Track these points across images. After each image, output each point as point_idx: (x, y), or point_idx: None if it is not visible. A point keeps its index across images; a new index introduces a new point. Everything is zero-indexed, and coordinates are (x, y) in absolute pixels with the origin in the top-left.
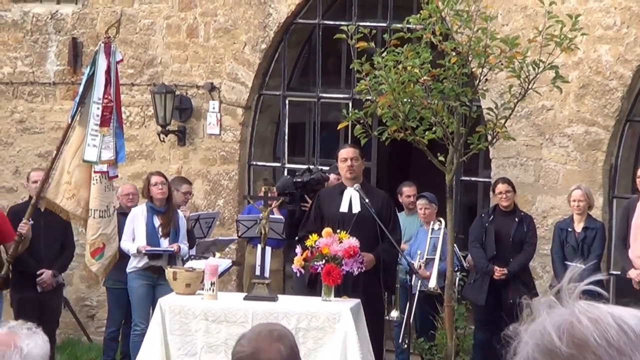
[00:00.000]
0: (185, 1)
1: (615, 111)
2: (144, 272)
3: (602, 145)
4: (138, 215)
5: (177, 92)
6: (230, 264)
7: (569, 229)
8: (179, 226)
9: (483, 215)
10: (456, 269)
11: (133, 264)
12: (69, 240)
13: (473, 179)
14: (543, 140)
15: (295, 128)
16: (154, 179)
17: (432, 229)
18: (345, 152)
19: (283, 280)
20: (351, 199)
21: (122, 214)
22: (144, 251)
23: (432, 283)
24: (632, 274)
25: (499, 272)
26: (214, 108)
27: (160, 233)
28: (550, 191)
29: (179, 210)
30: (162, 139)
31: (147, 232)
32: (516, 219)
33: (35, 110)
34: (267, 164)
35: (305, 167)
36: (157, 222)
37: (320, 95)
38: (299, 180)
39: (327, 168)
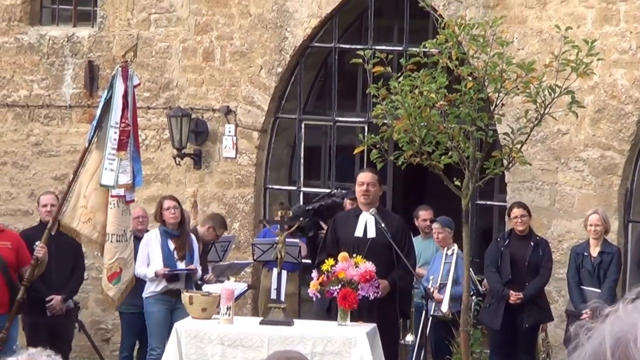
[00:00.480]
0: (201, 24)
1: (630, 135)
2: (163, 296)
3: (617, 169)
4: (152, 240)
5: (193, 115)
6: (246, 288)
7: (585, 254)
8: (193, 249)
9: (499, 239)
10: (472, 293)
11: (150, 289)
12: (79, 264)
13: (489, 202)
14: (558, 164)
15: (311, 151)
16: (167, 203)
17: (446, 254)
18: (363, 177)
19: (299, 304)
20: (366, 224)
21: (134, 237)
22: (163, 273)
23: (445, 308)
24: None
25: (514, 296)
26: (229, 131)
27: (176, 256)
28: (565, 215)
29: (191, 233)
30: (177, 162)
31: (163, 256)
32: (532, 243)
33: (51, 133)
34: (283, 187)
35: (322, 191)
36: (171, 245)
37: (336, 118)
38: (310, 207)
39: (345, 191)
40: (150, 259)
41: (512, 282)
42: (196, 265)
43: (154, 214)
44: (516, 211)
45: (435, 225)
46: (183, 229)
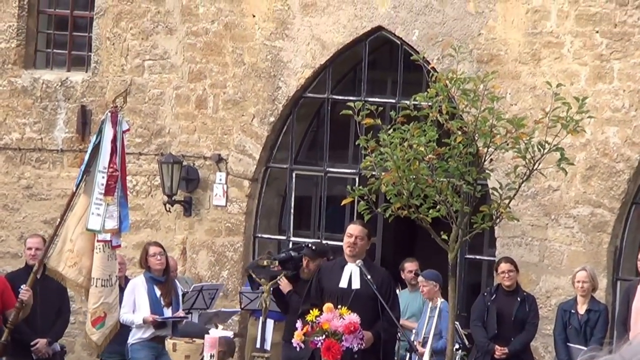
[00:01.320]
0: (194, 72)
1: (621, 193)
2: (149, 342)
3: (607, 227)
4: (139, 286)
5: (185, 163)
6: (232, 336)
7: (572, 311)
8: (177, 295)
9: (485, 294)
10: (458, 347)
11: (137, 335)
12: (64, 307)
13: (478, 257)
14: (548, 220)
15: (301, 201)
16: (152, 249)
17: (431, 307)
18: (352, 229)
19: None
20: (351, 275)
21: None
22: (152, 320)
23: None
24: None
25: (499, 351)
26: (220, 179)
27: (163, 303)
28: (554, 271)
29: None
30: (167, 209)
31: (151, 302)
32: (518, 299)
33: (42, 177)
34: (273, 236)
35: (310, 240)
36: (157, 292)
37: (327, 169)
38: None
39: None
40: (136, 305)
41: (498, 337)
42: (182, 311)
43: (139, 260)
44: (503, 266)
45: (420, 279)
46: (168, 275)
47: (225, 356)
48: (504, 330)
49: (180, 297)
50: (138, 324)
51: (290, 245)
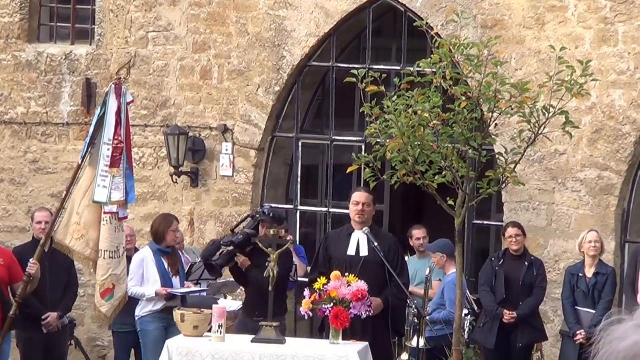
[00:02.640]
0: (199, 43)
1: (628, 156)
2: (160, 314)
3: (614, 190)
4: (147, 259)
5: (191, 134)
6: (241, 306)
7: (580, 274)
8: (182, 264)
9: (493, 259)
10: (467, 312)
11: (148, 308)
12: (72, 280)
13: (485, 222)
14: (556, 184)
15: (308, 170)
16: (175, 225)
17: (440, 279)
18: (358, 196)
19: (295, 322)
20: (359, 242)
21: None
22: (165, 293)
23: (421, 344)
24: None
25: (508, 315)
26: (227, 150)
27: (172, 273)
28: (562, 235)
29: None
30: (175, 181)
31: (160, 275)
32: (526, 263)
33: (49, 151)
34: (280, 206)
35: (319, 209)
36: (165, 263)
37: (333, 138)
38: (228, 241)
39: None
40: (145, 278)
41: (506, 301)
42: (192, 285)
43: (156, 231)
44: (511, 231)
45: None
46: (173, 247)
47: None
48: (512, 294)
49: (185, 267)
50: (149, 297)
51: (298, 215)
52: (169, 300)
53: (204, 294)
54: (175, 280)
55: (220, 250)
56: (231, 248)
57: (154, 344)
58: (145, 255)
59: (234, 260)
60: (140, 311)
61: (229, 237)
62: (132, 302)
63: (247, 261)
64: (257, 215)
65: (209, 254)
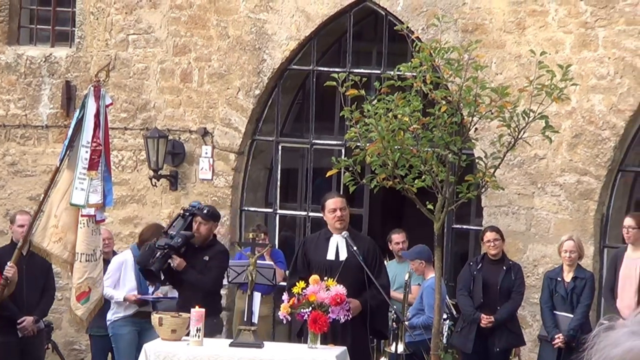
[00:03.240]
0: (179, 46)
1: (607, 161)
2: (132, 318)
3: (594, 194)
4: (127, 263)
5: (170, 137)
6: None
7: (559, 279)
8: None
9: (471, 263)
10: (446, 317)
11: (120, 313)
12: (50, 284)
13: (465, 227)
14: (535, 189)
15: (288, 174)
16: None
17: (419, 283)
18: (334, 203)
19: (273, 326)
20: (338, 246)
21: None
22: (136, 299)
23: (400, 349)
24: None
25: (485, 319)
26: (206, 153)
27: (148, 281)
28: (541, 240)
29: None
30: (154, 184)
31: (137, 281)
32: (504, 268)
33: (27, 153)
34: (259, 209)
35: (298, 213)
36: None
37: (313, 141)
38: (163, 244)
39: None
40: (122, 282)
41: (484, 306)
42: (167, 290)
43: (145, 239)
44: (489, 235)
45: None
46: None
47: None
48: (489, 299)
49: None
50: (119, 301)
51: (277, 219)
52: (141, 305)
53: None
54: (150, 288)
55: (155, 254)
56: (166, 250)
57: (128, 348)
58: (125, 259)
59: (169, 262)
60: (112, 315)
61: (165, 240)
62: (108, 305)
63: (182, 262)
64: (187, 213)
65: (145, 259)
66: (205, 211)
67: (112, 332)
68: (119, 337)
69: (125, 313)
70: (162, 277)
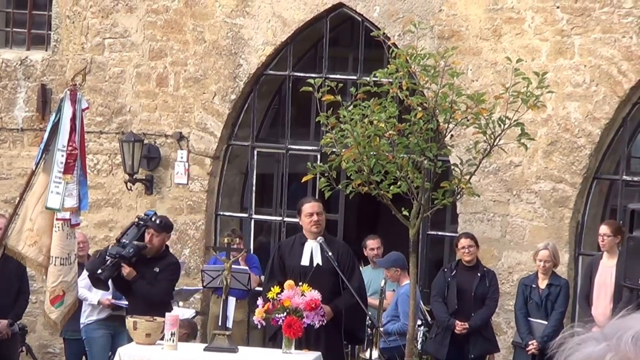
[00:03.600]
0: (155, 50)
1: (583, 168)
2: (104, 321)
3: (569, 202)
4: None
5: (146, 141)
6: (194, 314)
7: (533, 285)
8: None
9: (445, 270)
10: (420, 323)
11: (93, 316)
12: (24, 287)
13: (440, 233)
14: (510, 196)
15: (263, 179)
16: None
17: (394, 289)
18: (311, 207)
19: (247, 331)
20: (312, 252)
21: None
22: (109, 303)
23: (375, 355)
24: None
25: (460, 326)
26: (182, 157)
27: None
28: (516, 247)
29: None
30: (129, 188)
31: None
32: (478, 274)
33: (3, 157)
34: (235, 214)
35: (274, 218)
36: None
37: (289, 146)
38: (114, 253)
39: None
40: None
41: (458, 312)
42: None
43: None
44: (463, 241)
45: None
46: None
47: (189, 338)
48: (464, 305)
49: None
50: (93, 304)
51: (252, 223)
52: (114, 309)
53: None
54: None
55: (106, 262)
56: (117, 259)
57: (101, 351)
58: None
59: (118, 270)
60: (86, 319)
61: (117, 248)
62: (81, 308)
63: (132, 272)
64: (141, 223)
65: (94, 267)
66: (158, 222)
67: (85, 336)
68: (92, 341)
69: (99, 316)
70: (111, 286)
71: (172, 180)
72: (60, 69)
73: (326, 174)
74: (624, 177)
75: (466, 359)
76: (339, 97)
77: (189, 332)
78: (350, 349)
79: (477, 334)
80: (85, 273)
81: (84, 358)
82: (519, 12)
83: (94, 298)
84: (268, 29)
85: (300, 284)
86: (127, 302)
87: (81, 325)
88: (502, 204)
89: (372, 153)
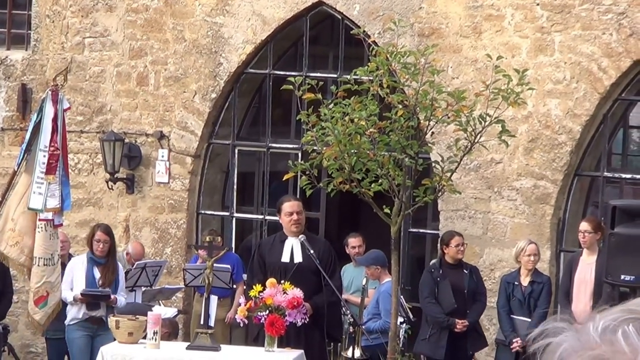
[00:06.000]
0: (135, 49)
1: (563, 165)
2: (84, 322)
3: (550, 199)
4: (78, 265)
5: (127, 140)
6: (176, 313)
7: (515, 283)
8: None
9: (432, 270)
10: (402, 320)
11: (72, 315)
12: (6, 286)
13: (421, 230)
14: (492, 193)
15: (244, 177)
16: (98, 235)
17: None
18: (290, 206)
19: (230, 329)
20: (292, 249)
21: None
22: (79, 297)
23: (357, 354)
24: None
25: (461, 324)
26: (163, 156)
27: (100, 284)
28: (498, 244)
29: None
30: (110, 187)
31: (87, 282)
32: (465, 271)
33: None
34: (216, 213)
35: (255, 217)
36: (97, 273)
37: (269, 145)
38: None
39: None
40: (73, 283)
41: (455, 311)
42: (120, 294)
43: (86, 237)
44: (458, 239)
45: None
46: (111, 259)
47: (170, 337)
48: (459, 303)
49: (122, 282)
50: (70, 302)
51: (234, 222)
52: (90, 309)
53: (139, 296)
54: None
55: None
56: None
57: (79, 353)
58: (77, 262)
59: None
60: (67, 319)
61: None
62: (65, 308)
63: None
64: None
65: None
66: None
67: (67, 336)
68: (72, 341)
69: (77, 317)
70: (83, 278)
71: (153, 179)
72: (40, 68)
73: (307, 172)
74: (605, 173)
75: (464, 356)
76: (319, 95)
77: (170, 331)
78: (332, 347)
79: (473, 330)
80: (65, 274)
81: (66, 357)
82: (499, 9)
83: (70, 295)
84: (248, 28)
85: (282, 281)
86: (91, 289)
87: (65, 325)
88: (483, 201)
89: (353, 151)
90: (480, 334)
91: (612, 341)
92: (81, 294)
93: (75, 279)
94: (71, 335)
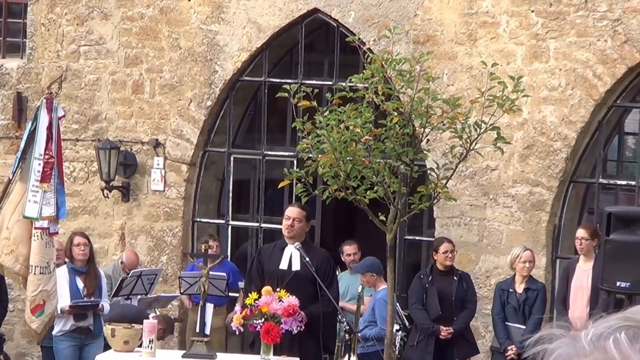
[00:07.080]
0: (131, 57)
1: (559, 172)
2: (71, 333)
3: (545, 205)
4: (61, 277)
5: (122, 148)
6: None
7: (510, 290)
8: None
9: (422, 276)
10: (398, 327)
11: (59, 327)
12: (2, 295)
13: (417, 238)
14: (487, 200)
15: (240, 185)
16: (77, 239)
17: (371, 294)
18: (290, 212)
19: (225, 337)
20: (291, 257)
21: None
22: (68, 309)
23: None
24: None
25: (445, 331)
26: (158, 164)
27: (85, 294)
28: (493, 251)
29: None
30: (105, 195)
31: (71, 293)
32: (455, 278)
33: None
34: (212, 220)
35: (251, 224)
36: (80, 283)
37: (265, 152)
38: None
39: None
40: (59, 295)
41: (441, 317)
42: (104, 301)
43: (64, 249)
44: (447, 246)
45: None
46: (91, 266)
47: (166, 333)
48: (445, 310)
49: (105, 288)
50: (59, 314)
51: (229, 230)
52: (77, 319)
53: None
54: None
55: None
56: None
57: None
58: (59, 274)
59: None
60: (55, 330)
61: None
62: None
63: None
64: None
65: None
66: None
67: (55, 347)
68: (59, 352)
69: (64, 328)
70: (67, 288)
71: (148, 187)
72: (35, 76)
73: (303, 180)
74: (600, 180)
75: None
76: (314, 103)
77: (164, 327)
78: (327, 356)
79: (460, 337)
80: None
81: None
82: (494, 16)
83: (59, 307)
84: (243, 35)
85: (278, 289)
86: (82, 300)
87: (53, 336)
88: (479, 208)
89: (348, 158)
90: (470, 342)
91: (604, 348)
92: (70, 306)
93: (59, 291)
94: (59, 347)
